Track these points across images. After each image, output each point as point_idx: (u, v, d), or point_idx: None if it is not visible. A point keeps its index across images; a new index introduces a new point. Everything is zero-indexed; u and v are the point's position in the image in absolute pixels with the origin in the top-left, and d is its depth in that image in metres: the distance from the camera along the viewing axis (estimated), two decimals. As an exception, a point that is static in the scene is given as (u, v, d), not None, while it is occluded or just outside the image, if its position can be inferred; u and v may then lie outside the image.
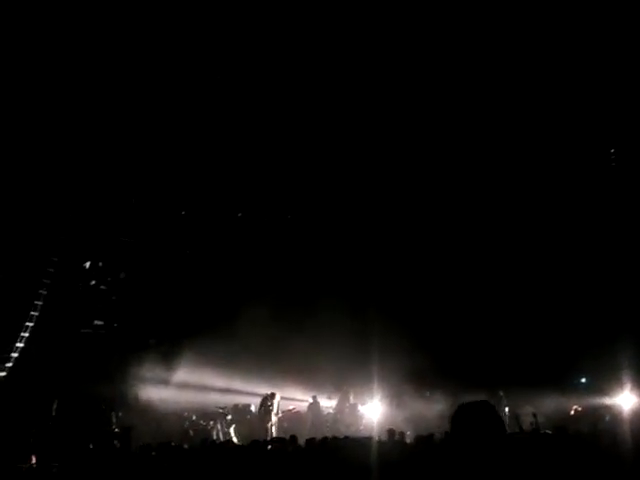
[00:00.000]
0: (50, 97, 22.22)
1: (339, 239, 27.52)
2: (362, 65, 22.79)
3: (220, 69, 23.10)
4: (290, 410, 25.26)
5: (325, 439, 14.80)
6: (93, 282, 25.94)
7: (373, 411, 25.34)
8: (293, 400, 25.78)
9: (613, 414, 23.29)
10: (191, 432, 23.91)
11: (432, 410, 23.54)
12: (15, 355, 23.42)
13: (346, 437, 15.69)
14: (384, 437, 17.43)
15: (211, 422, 24.56)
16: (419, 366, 25.36)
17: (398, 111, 24.35)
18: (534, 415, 21.82)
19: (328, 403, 26.13)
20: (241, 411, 25.41)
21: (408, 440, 17.84)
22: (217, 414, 24.90)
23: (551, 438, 14.98)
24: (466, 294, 26.74)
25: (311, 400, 25.78)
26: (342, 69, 22.86)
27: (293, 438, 16.37)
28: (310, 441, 15.05)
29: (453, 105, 24.36)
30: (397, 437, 16.96)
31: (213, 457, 13.93)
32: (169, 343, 26.22)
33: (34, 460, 15.18)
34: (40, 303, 23.99)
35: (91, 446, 17.91)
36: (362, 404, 25.84)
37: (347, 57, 22.58)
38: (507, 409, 24.63)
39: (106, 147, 24.18)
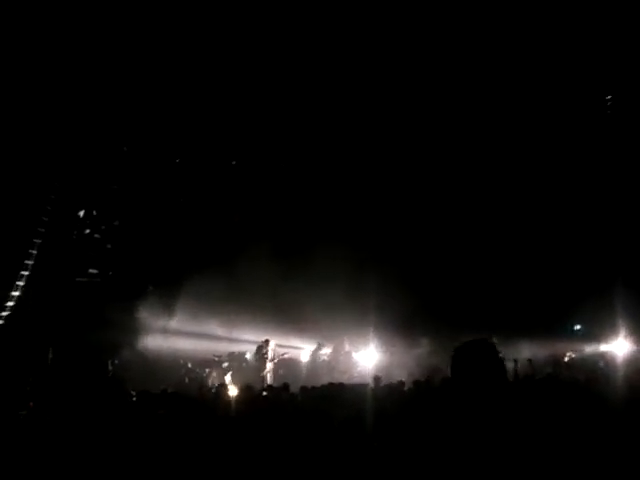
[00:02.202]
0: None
1: (335, 187, 27.46)
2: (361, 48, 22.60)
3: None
4: (282, 355, 25.33)
5: (320, 386, 14.84)
6: (87, 231, 25.87)
7: (368, 358, 25.45)
8: (288, 347, 25.87)
9: (607, 361, 23.44)
10: (187, 380, 24.06)
11: (426, 355, 23.67)
12: (11, 304, 23.44)
13: (341, 384, 15.74)
14: (372, 384, 17.57)
15: (207, 370, 24.70)
16: (412, 313, 25.45)
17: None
18: (529, 361, 21.94)
19: (323, 350, 26.23)
20: (237, 359, 25.50)
21: (406, 387, 17.91)
22: (213, 362, 25.02)
23: (545, 384, 15.04)
24: (461, 240, 26.75)
25: (315, 346, 25.90)
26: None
27: (285, 386, 16.42)
28: (304, 388, 15.12)
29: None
30: (395, 384, 17.00)
31: (209, 404, 13.99)
32: (165, 291, 26.21)
33: (31, 406, 15.25)
34: (35, 252, 23.96)
35: (87, 392, 17.96)
36: (356, 352, 25.95)
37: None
38: (501, 354, 24.72)
39: (99, 95, 24.01)
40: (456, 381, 4.68)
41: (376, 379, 18.12)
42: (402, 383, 17.62)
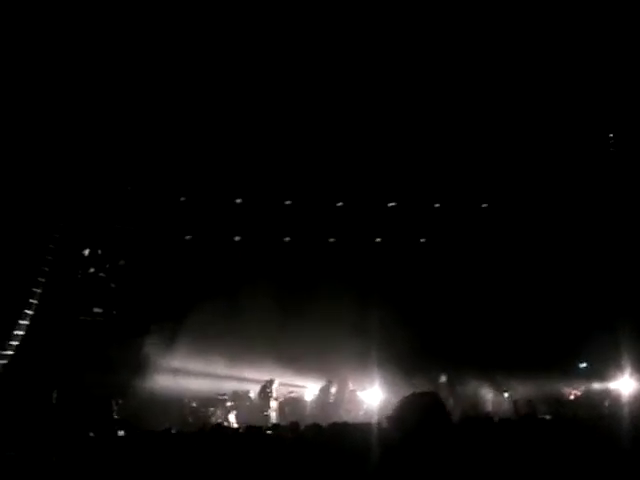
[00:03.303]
0: (46, 87, 22.21)
1: (340, 224, 27.55)
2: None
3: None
4: (289, 394, 25.26)
5: (326, 425, 14.79)
6: (92, 270, 25.93)
7: (372, 397, 25.34)
8: (293, 386, 25.79)
9: (613, 399, 23.34)
10: (190, 419, 23.98)
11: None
12: (15, 343, 23.42)
13: (345, 423, 15.67)
14: (385, 424, 17.38)
15: (211, 409, 24.62)
16: (417, 352, 25.42)
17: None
18: (530, 402, 21.92)
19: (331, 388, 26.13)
20: (240, 397, 25.40)
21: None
22: (217, 400, 24.93)
23: (549, 423, 15.00)
24: (464, 277, 26.76)
25: (324, 384, 25.80)
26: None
27: (294, 425, 16.37)
28: (310, 427, 15.06)
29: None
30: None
31: (213, 442, 13.94)
32: (168, 329, 26.20)
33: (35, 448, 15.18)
34: (39, 291, 23.99)
35: (92, 434, 17.92)
36: (361, 390, 25.85)
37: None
38: (507, 394, 24.70)
39: (102, 136, 24.17)
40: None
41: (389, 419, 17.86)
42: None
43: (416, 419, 4.74)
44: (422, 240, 27.78)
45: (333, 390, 25.80)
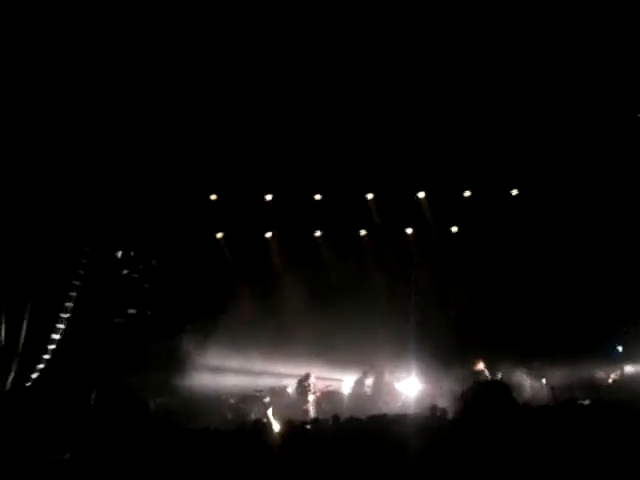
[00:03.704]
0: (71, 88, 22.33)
1: (369, 216, 27.58)
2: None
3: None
4: (327, 388, 25.25)
5: (365, 418, 14.78)
6: (125, 271, 26.08)
7: (410, 388, 25.29)
8: (330, 380, 25.79)
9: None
10: (229, 416, 24.06)
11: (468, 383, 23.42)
12: (52, 347, 23.63)
13: (384, 415, 15.66)
14: (425, 413, 17.32)
15: (249, 405, 24.68)
16: (453, 340, 25.40)
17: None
18: (568, 388, 21.81)
19: (367, 380, 26.08)
20: (278, 393, 25.45)
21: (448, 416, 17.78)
22: (254, 397, 24.99)
23: (588, 409, 14.89)
24: (498, 264, 26.65)
25: (360, 375, 25.80)
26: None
27: (335, 418, 16.42)
28: (349, 420, 15.05)
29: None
30: (438, 413, 16.87)
31: (252, 440, 13.96)
32: (203, 327, 26.32)
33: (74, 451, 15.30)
34: (74, 294, 24.17)
35: (130, 434, 18.03)
36: (398, 381, 25.81)
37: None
38: (544, 380, 24.59)
39: (131, 137, 24.28)
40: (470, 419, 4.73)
41: (432, 409, 17.76)
42: (444, 411, 17.51)
43: (490, 409, 4.70)
44: (454, 229, 27.65)
45: (369, 382, 25.79)
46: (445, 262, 27.54)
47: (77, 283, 24.22)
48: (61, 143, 23.06)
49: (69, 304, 24.01)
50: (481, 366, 23.34)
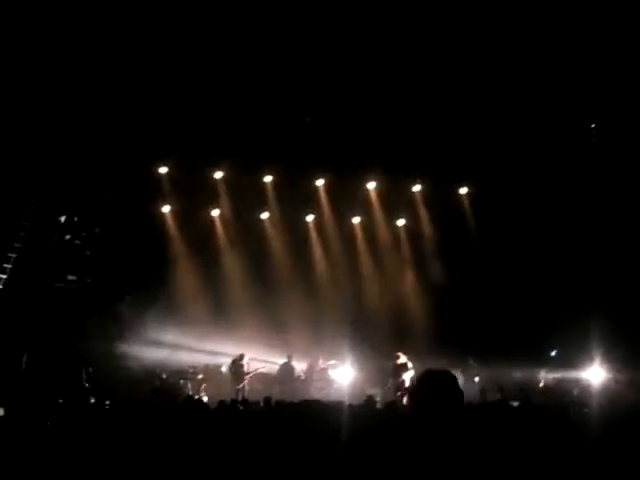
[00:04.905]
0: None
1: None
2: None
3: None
4: (257, 370, 25.17)
5: (296, 402, 14.83)
6: (68, 237, 25.76)
7: (344, 376, 25.42)
8: (264, 362, 25.80)
9: (582, 388, 23.50)
10: (160, 390, 23.97)
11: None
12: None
13: (317, 400, 15.74)
14: (357, 402, 17.47)
15: (181, 381, 24.62)
16: (391, 331, 25.55)
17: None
18: (500, 389, 22.05)
19: (299, 366, 26.17)
20: (212, 371, 25.48)
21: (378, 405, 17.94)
22: (188, 373, 24.95)
23: (517, 410, 15.09)
24: (440, 259, 26.90)
25: (285, 360, 25.85)
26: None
27: (267, 399, 16.48)
28: (280, 403, 15.10)
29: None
30: (367, 401, 17.04)
31: (183, 414, 13.94)
32: (142, 299, 26.14)
33: (2, 412, 15.14)
34: (14, 256, 23.84)
35: (61, 400, 17.87)
36: (333, 369, 25.93)
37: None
38: (477, 378, 24.87)
39: (80, 106, 23.88)
40: (422, 408, 4.77)
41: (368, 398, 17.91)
42: (374, 401, 17.68)
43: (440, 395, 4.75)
44: (399, 223, 27.79)
45: (298, 366, 25.89)
46: (388, 255, 27.79)
47: (18, 245, 23.88)
48: (12, 107, 22.67)
49: (7, 265, 23.67)
50: (403, 359, 23.32)
